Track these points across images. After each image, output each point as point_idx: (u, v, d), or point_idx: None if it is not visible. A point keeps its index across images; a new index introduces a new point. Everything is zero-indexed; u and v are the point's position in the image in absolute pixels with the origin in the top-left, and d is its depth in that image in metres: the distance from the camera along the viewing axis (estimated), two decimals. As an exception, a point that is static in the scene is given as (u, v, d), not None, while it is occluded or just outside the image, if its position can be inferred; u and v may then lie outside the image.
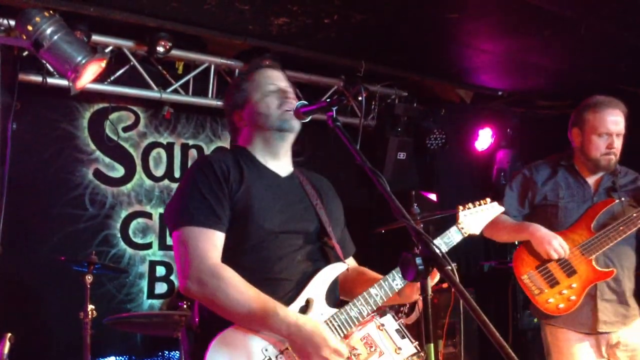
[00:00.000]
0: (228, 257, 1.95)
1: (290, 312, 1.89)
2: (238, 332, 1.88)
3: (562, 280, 3.04)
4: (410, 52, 5.06)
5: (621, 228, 2.96)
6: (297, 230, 2.07)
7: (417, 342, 3.56)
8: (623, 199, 3.07)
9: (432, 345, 1.41)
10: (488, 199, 2.46)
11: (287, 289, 1.97)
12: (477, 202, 2.42)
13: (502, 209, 2.49)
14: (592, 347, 3.07)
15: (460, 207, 2.35)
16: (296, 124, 2.11)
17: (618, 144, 3.07)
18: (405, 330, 3.91)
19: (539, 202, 3.20)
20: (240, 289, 1.87)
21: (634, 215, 2.96)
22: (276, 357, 1.88)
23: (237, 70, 4.98)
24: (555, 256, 3.01)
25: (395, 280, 2.05)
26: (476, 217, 2.39)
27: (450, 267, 1.45)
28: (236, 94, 2.20)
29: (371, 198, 6.12)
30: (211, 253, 1.92)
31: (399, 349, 3.73)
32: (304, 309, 1.98)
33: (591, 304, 3.04)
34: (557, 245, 2.99)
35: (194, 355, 2.01)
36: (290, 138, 2.17)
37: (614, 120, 3.05)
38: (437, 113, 6.45)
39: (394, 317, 3.95)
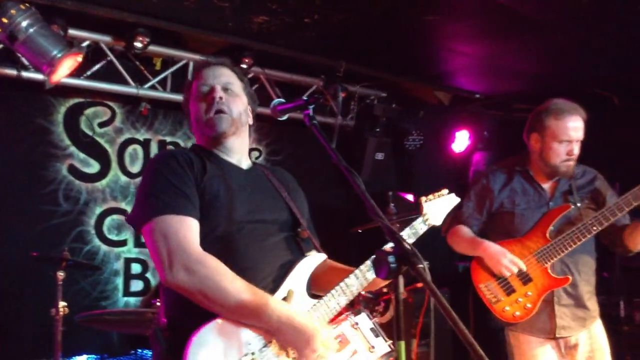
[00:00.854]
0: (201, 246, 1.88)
1: (281, 304, 1.84)
2: (215, 330, 1.79)
3: (518, 288, 3.05)
4: (390, 54, 5.09)
5: (576, 235, 2.94)
6: (267, 220, 2.02)
7: (390, 341, 3.59)
8: (579, 204, 3.05)
9: (402, 343, 1.42)
10: (445, 190, 2.51)
11: (259, 280, 1.90)
12: (437, 193, 2.47)
13: (457, 199, 2.52)
14: (554, 349, 3.10)
15: (423, 198, 2.39)
16: (222, 125, 2.04)
17: (577, 150, 3.04)
18: (380, 329, 3.93)
19: (496, 209, 3.18)
20: (229, 278, 1.79)
21: (589, 222, 2.93)
22: (260, 350, 1.83)
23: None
24: (507, 273, 3.02)
25: (370, 271, 2.04)
26: (438, 207, 2.44)
27: (422, 266, 1.46)
28: (186, 94, 2.19)
29: (349, 197, 6.14)
30: (193, 241, 1.83)
31: (373, 347, 3.76)
32: (285, 299, 1.93)
33: (549, 309, 3.04)
34: (507, 262, 3.00)
35: (165, 358, 1.87)
36: (230, 138, 2.09)
37: (575, 127, 3.01)
38: (415, 114, 6.50)
39: (368, 316, 3.97)
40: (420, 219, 2.34)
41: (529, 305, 3.03)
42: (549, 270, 3.01)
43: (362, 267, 2.05)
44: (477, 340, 1.30)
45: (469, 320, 5.75)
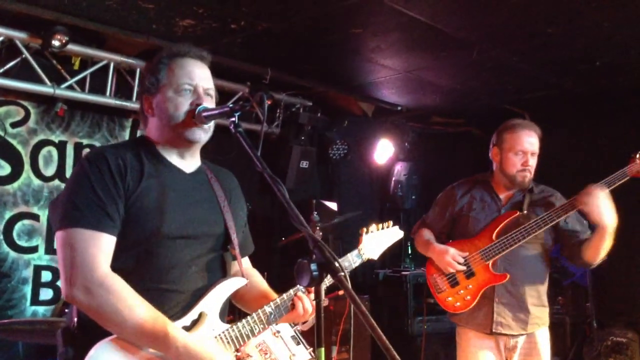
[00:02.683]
0: (117, 260, 1.81)
1: (180, 333, 1.79)
2: (118, 344, 1.76)
3: (462, 281, 3.36)
4: (315, 63, 5.15)
5: (516, 236, 3.23)
6: (197, 235, 1.95)
7: (312, 349, 3.62)
8: (525, 212, 3.33)
9: (322, 349, 1.44)
10: (390, 222, 2.54)
11: (178, 301, 1.88)
12: (380, 225, 2.47)
13: (401, 234, 2.66)
14: (492, 349, 3.32)
15: (364, 230, 2.40)
16: (203, 136, 1.97)
17: (533, 162, 3.35)
18: (301, 337, 3.95)
19: (457, 213, 3.52)
20: (129, 305, 1.74)
21: (529, 225, 3.22)
22: None
23: (138, 69, 4.84)
24: (451, 270, 3.35)
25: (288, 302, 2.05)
26: (377, 242, 2.45)
27: (343, 274, 1.49)
28: (150, 77, 2.00)
29: (274, 206, 6.14)
30: (101, 260, 1.77)
31: (294, 355, 3.77)
32: (195, 322, 1.90)
33: (489, 305, 3.30)
34: (449, 259, 3.33)
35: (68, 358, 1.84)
36: (197, 147, 2.04)
37: (529, 141, 3.33)
38: (340, 124, 6.60)
39: (290, 324, 3.98)
40: (355, 252, 2.35)
41: (468, 297, 3.32)
42: (490, 267, 3.29)
43: (284, 295, 2.05)
44: (394, 345, 1.34)
45: (388, 327, 5.89)
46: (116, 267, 1.80)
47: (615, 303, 5.83)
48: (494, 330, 3.28)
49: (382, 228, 2.48)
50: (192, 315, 1.90)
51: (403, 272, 6.08)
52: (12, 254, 4.65)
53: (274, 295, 2.14)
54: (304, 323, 4.36)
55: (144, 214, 1.85)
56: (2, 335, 3.86)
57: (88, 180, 1.82)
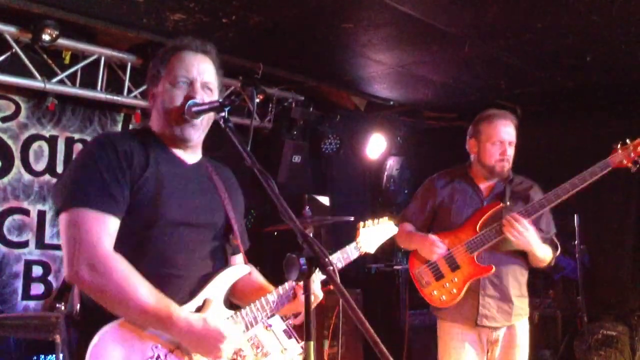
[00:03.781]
0: (122, 245, 1.82)
1: (183, 313, 1.80)
2: (125, 327, 1.77)
3: (447, 274, 3.30)
4: (307, 58, 5.14)
5: (499, 228, 3.20)
6: (201, 223, 1.97)
7: (303, 343, 3.63)
8: (509, 203, 3.32)
9: (311, 343, 1.45)
10: (386, 217, 2.56)
11: (183, 287, 1.89)
12: (375, 220, 2.50)
13: (396, 229, 2.64)
14: (475, 342, 3.29)
15: (361, 224, 2.43)
16: (193, 133, 1.96)
17: (510, 152, 3.34)
18: (293, 331, 3.96)
19: (438, 205, 3.47)
20: (134, 284, 1.75)
21: (511, 217, 3.17)
22: (165, 355, 1.80)
23: (129, 64, 4.82)
24: (434, 257, 3.30)
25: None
26: (373, 235, 2.48)
27: (332, 267, 1.50)
28: (153, 69, 2.03)
29: (265, 200, 6.13)
30: (105, 240, 1.78)
31: (285, 349, 3.78)
32: (200, 308, 1.91)
33: (474, 298, 3.27)
34: (434, 248, 3.28)
35: (71, 345, 1.84)
36: (191, 145, 2.02)
37: (506, 130, 3.33)
38: (332, 119, 6.60)
39: (282, 318, 3.99)
40: (353, 244, 2.37)
41: (454, 290, 3.27)
42: (475, 259, 3.26)
43: (286, 284, 2.06)
44: (387, 339, 1.36)
45: (381, 320, 5.92)
46: (121, 252, 1.81)
47: (606, 297, 5.88)
48: (478, 323, 3.26)
49: (378, 222, 2.51)
50: (197, 301, 1.91)
51: (395, 267, 6.11)
52: (3, 249, 4.64)
53: (271, 288, 2.14)
54: (296, 317, 4.38)
55: (147, 201, 1.86)
56: (-7, 330, 3.85)
57: (94, 162, 1.83)
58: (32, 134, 4.85)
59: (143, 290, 1.76)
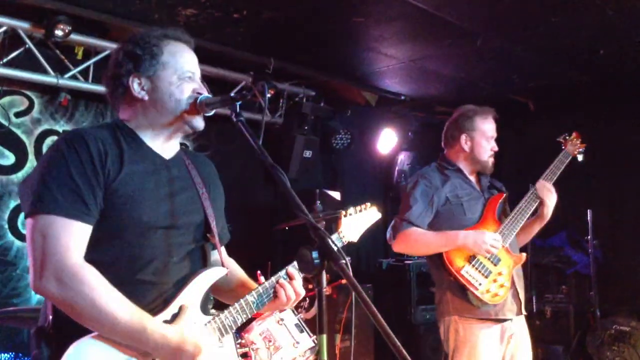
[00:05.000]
0: (94, 251, 1.73)
1: (158, 327, 1.71)
2: (99, 341, 1.68)
3: (492, 269, 3.22)
4: (318, 53, 5.14)
5: (517, 217, 3.27)
6: (179, 225, 1.88)
7: (315, 337, 3.64)
8: (505, 194, 3.42)
9: (324, 336, 1.45)
10: (368, 204, 2.50)
11: (158, 294, 1.80)
12: (359, 207, 2.43)
13: (379, 215, 2.53)
14: (497, 337, 3.22)
15: (343, 213, 2.35)
16: (201, 123, 1.94)
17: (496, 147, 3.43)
18: (304, 325, 3.98)
19: (443, 203, 3.32)
20: (105, 297, 1.65)
21: (530, 194, 3.31)
22: None
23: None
24: (495, 251, 3.18)
25: (269, 291, 2.00)
26: (356, 224, 2.40)
27: (344, 261, 1.50)
28: (147, 58, 1.90)
29: (276, 196, 6.15)
30: (74, 250, 1.67)
31: (297, 342, 3.80)
32: (176, 315, 1.82)
33: (512, 289, 3.26)
34: (492, 240, 3.15)
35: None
36: (196, 134, 1.99)
37: (495, 127, 3.43)
38: (343, 114, 6.60)
39: (293, 312, 4.02)
40: (335, 235, 2.29)
41: (506, 283, 3.22)
42: (509, 249, 3.27)
43: (266, 283, 1.99)
44: (398, 334, 1.35)
45: (391, 315, 5.91)
46: (94, 259, 1.72)
47: (619, 292, 5.84)
48: (502, 317, 3.20)
49: (360, 210, 2.42)
50: (172, 309, 1.82)
51: (406, 262, 6.09)
52: (17, 243, 4.68)
53: (253, 284, 2.09)
54: (307, 311, 4.39)
55: (123, 204, 1.77)
56: (8, 323, 3.90)
57: (65, 163, 1.71)
58: (46, 129, 4.89)
59: (115, 304, 1.67)
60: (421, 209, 3.29)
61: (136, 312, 1.70)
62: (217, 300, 2.12)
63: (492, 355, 3.20)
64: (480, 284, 3.17)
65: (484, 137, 3.37)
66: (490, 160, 3.40)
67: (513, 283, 3.27)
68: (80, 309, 1.65)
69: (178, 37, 1.99)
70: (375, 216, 2.51)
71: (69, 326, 1.69)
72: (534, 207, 3.33)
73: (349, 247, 2.21)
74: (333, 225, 5.54)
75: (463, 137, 3.39)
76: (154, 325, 1.72)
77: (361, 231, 2.43)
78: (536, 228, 3.44)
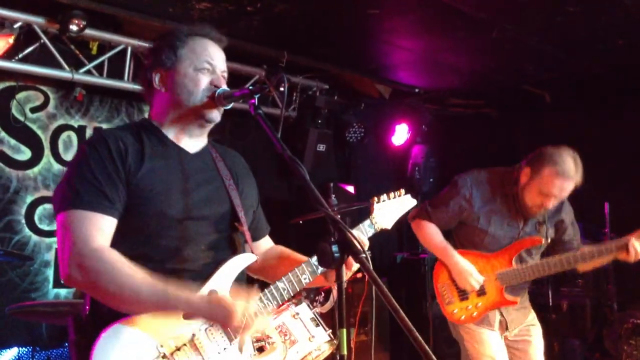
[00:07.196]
0: (124, 245, 1.78)
1: (181, 290, 1.74)
2: (129, 326, 1.73)
3: (472, 297, 3.26)
4: (332, 46, 5.11)
5: (537, 270, 3.20)
6: (204, 216, 1.92)
7: (330, 331, 3.64)
8: (549, 239, 3.26)
9: (344, 330, 1.44)
10: (402, 190, 2.44)
11: (189, 281, 1.83)
12: (392, 194, 2.37)
13: (414, 202, 2.46)
14: (498, 336, 3.34)
15: (375, 199, 2.29)
16: (218, 116, 1.96)
17: (554, 204, 3.14)
18: (320, 319, 3.97)
19: (471, 222, 3.29)
20: (126, 272, 1.70)
21: (551, 263, 3.18)
22: (171, 354, 1.76)
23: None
24: (469, 290, 3.24)
25: (305, 274, 1.98)
26: (389, 210, 2.34)
27: (364, 255, 1.49)
28: (167, 51, 1.96)
29: (290, 190, 6.15)
30: (95, 237, 1.73)
31: (313, 336, 3.80)
32: None
33: (497, 311, 3.31)
34: (473, 282, 3.20)
35: (79, 347, 1.84)
36: (209, 127, 2.02)
37: (563, 187, 3.07)
38: (356, 107, 6.57)
39: (309, 306, 4.01)
40: (367, 221, 2.23)
41: (475, 313, 3.27)
42: (504, 291, 3.24)
43: (297, 269, 1.98)
44: (415, 327, 1.34)
45: (406, 309, 5.90)
46: (124, 251, 1.76)
47: (636, 285, 5.77)
48: (499, 329, 3.32)
49: (394, 197, 2.34)
50: (202, 293, 1.86)
51: (421, 255, 6.07)
52: (35, 238, 4.72)
53: (299, 256, 2.11)
54: (322, 305, 4.39)
55: (147, 197, 1.82)
56: (26, 317, 3.94)
57: (87, 163, 1.80)
58: (61, 124, 4.92)
59: (135, 278, 1.71)
60: (447, 218, 3.34)
61: (158, 283, 1.72)
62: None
63: (497, 342, 3.30)
64: (448, 303, 3.30)
65: (541, 189, 3.09)
66: (534, 211, 3.17)
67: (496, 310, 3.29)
68: (104, 288, 1.70)
69: (205, 34, 2.03)
70: (410, 203, 2.42)
71: (103, 315, 1.75)
72: (561, 269, 3.20)
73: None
74: (347, 218, 5.54)
75: (526, 171, 3.16)
76: (177, 290, 1.74)
77: (395, 218, 2.34)
78: (603, 263, 3.26)
